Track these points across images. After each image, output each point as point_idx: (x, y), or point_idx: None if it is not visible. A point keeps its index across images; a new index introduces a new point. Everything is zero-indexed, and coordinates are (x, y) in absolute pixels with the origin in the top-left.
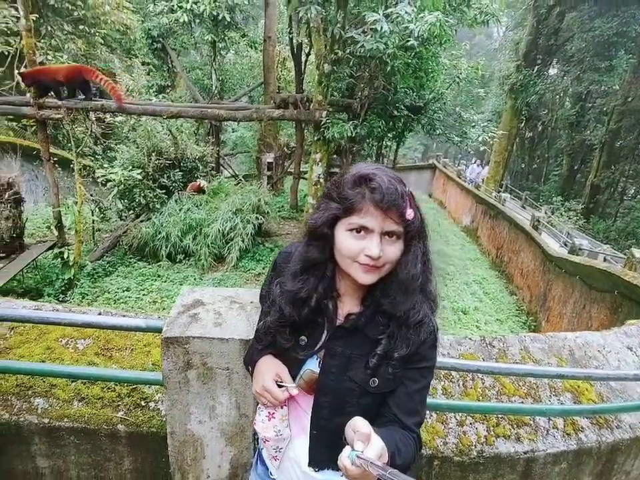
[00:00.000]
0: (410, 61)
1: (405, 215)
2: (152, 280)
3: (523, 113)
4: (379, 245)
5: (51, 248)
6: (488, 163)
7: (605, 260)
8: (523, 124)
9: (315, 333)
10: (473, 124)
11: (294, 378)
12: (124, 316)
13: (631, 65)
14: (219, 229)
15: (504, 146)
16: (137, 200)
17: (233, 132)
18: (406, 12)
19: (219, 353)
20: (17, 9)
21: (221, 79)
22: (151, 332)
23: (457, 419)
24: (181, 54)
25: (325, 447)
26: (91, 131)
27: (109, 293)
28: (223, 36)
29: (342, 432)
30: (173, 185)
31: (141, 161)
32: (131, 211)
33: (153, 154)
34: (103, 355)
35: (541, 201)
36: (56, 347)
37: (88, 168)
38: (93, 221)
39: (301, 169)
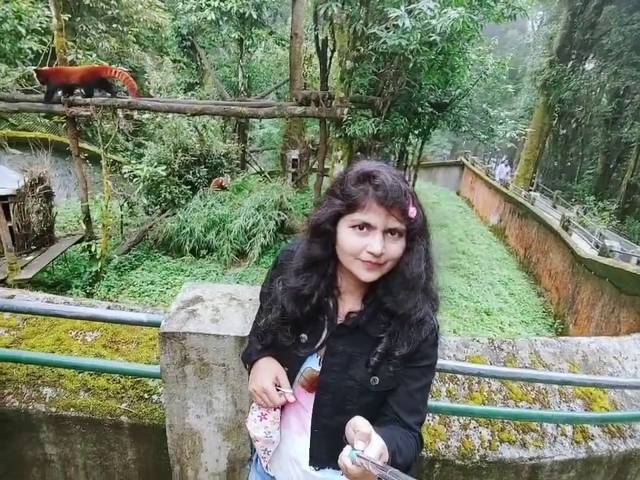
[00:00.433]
0: (434, 57)
1: (408, 213)
2: (175, 274)
3: (556, 109)
4: (382, 242)
5: (79, 241)
6: (518, 161)
7: (638, 262)
8: (555, 121)
9: (316, 330)
10: (501, 121)
11: (295, 375)
12: (131, 310)
13: None
14: (241, 225)
15: (535, 143)
16: (162, 195)
17: (261, 129)
18: (428, 7)
19: (215, 349)
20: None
21: (247, 76)
22: (151, 326)
23: (460, 422)
24: (210, 52)
25: (326, 445)
26: (119, 127)
27: (134, 285)
28: (249, 33)
29: (343, 431)
30: (198, 181)
31: (167, 158)
32: (157, 206)
33: (179, 150)
34: (110, 347)
35: (572, 200)
36: (65, 338)
37: (117, 164)
38: (122, 215)
39: (325, 166)
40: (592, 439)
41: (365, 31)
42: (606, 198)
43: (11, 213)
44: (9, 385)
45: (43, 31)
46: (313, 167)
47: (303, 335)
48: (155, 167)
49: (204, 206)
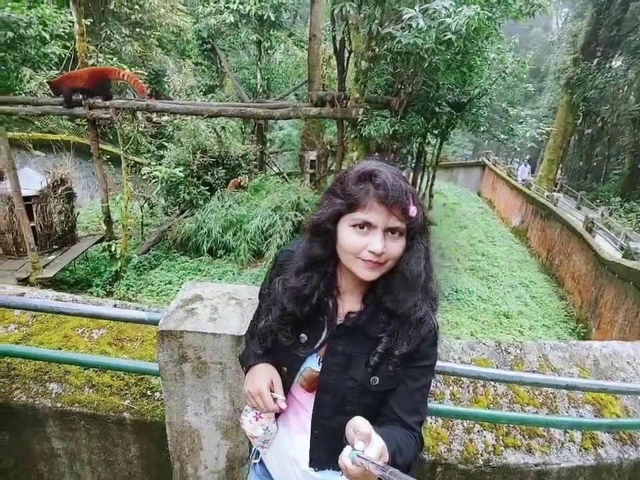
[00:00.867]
0: (450, 56)
1: (409, 212)
2: (193, 274)
3: (580, 108)
4: (383, 241)
5: (100, 241)
6: (541, 161)
7: None
8: (580, 120)
9: (316, 331)
10: (521, 120)
11: (294, 375)
12: (137, 308)
13: None
14: (258, 226)
15: (558, 143)
16: (181, 196)
17: (281, 130)
18: (443, 6)
19: (212, 347)
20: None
21: (266, 78)
22: (152, 324)
23: (463, 426)
24: (231, 54)
25: (326, 446)
26: (138, 129)
27: (152, 285)
28: (268, 35)
29: (343, 431)
30: (216, 182)
31: (186, 159)
32: (176, 207)
33: (198, 152)
34: (115, 344)
35: (598, 201)
36: (72, 335)
37: (138, 165)
38: (142, 216)
39: (343, 168)
40: (602, 446)
41: (380, 31)
42: (633, 199)
43: (34, 213)
44: (17, 380)
45: (66, 36)
46: (331, 168)
47: (303, 335)
48: (173, 168)
49: (221, 207)
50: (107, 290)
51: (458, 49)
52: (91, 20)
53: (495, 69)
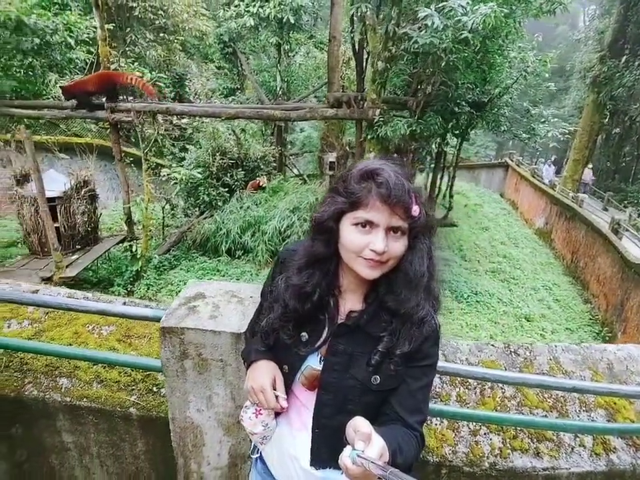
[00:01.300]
0: (468, 54)
1: (411, 211)
2: (211, 274)
3: (608, 107)
4: (384, 240)
5: (121, 241)
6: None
7: None
8: (607, 119)
9: (317, 329)
10: (543, 119)
11: (295, 373)
12: (146, 306)
13: None
14: (276, 227)
15: (584, 143)
16: (201, 198)
17: (302, 132)
18: (459, 4)
19: (212, 344)
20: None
21: (286, 80)
22: (156, 321)
23: (469, 428)
24: (252, 57)
25: (327, 445)
26: (158, 132)
27: (171, 285)
28: (287, 38)
29: (344, 430)
30: (235, 183)
31: (205, 161)
32: (196, 208)
33: (217, 154)
34: (123, 341)
35: (626, 202)
36: (83, 331)
37: (159, 167)
38: (163, 217)
39: None
40: (614, 452)
41: (397, 31)
42: None
43: (58, 214)
44: (29, 375)
45: (90, 41)
46: None
47: (304, 334)
48: (192, 169)
49: (240, 208)
50: (128, 289)
51: (478, 47)
52: (114, 25)
53: (517, 67)
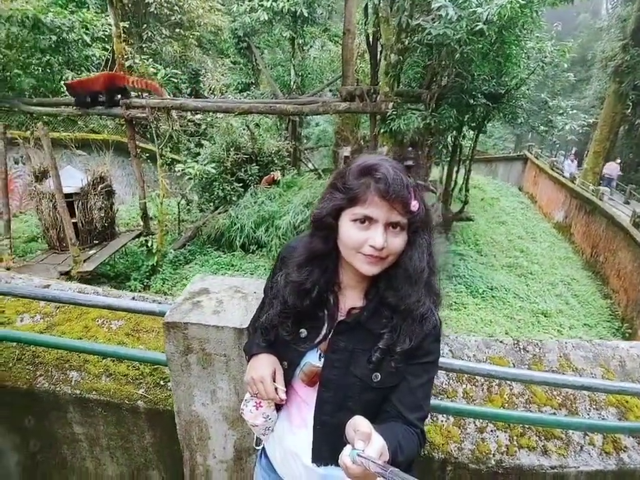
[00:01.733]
0: (484, 46)
1: (410, 206)
2: (226, 269)
3: (630, 97)
4: (384, 236)
5: (138, 236)
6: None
7: None
8: (629, 109)
9: (315, 326)
10: (561, 111)
11: (294, 369)
12: (154, 301)
13: None
14: (289, 221)
15: (605, 135)
16: (215, 193)
17: (317, 126)
18: None
19: (215, 339)
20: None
21: (300, 74)
22: (161, 316)
23: (476, 425)
24: (267, 52)
25: (328, 443)
26: (173, 128)
27: (186, 279)
28: (301, 32)
29: (344, 428)
30: (250, 178)
31: (220, 156)
32: (211, 204)
33: (232, 149)
34: (132, 335)
35: None
36: (92, 326)
37: (174, 162)
38: (179, 212)
39: None
40: (624, 451)
41: (410, 22)
42: None
43: (75, 209)
44: (41, 368)
45: (105, 38)
46: None
47: (302, 330)
48: (206, 164)
49: (254, 203)
50: (144, 283)
51: (494, 38)
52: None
53: (534, 58)
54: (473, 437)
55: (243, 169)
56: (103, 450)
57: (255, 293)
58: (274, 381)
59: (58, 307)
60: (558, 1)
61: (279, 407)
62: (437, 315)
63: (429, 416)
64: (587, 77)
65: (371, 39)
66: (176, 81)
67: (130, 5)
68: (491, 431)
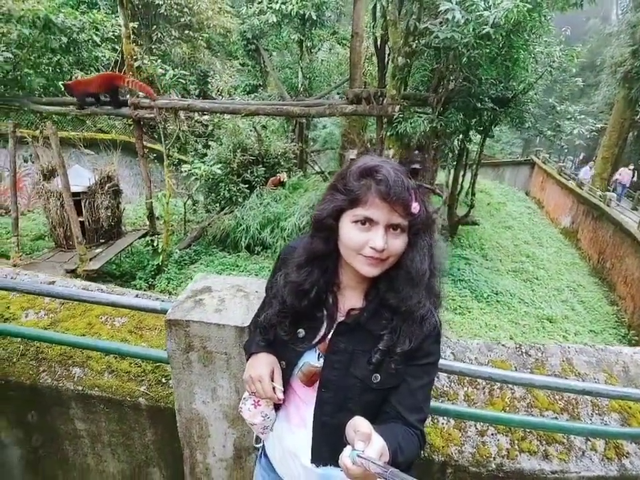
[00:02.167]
0: (491, 50)
1: (410, 208)
2: (230, 269)
3: (639, 103)
4: (384, 237)
5: (144, 236)
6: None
7: None
8: (638, 115)
9: (314, 326)
10: (569, 116)
11: (292, 369)
12: (157, 299)
13: None
14: (295, 223)
15: (614, 140)
16: (222, 194)
17: (324, 128)
18: None
19: (217, 338)
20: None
21: (308, 76)
22: (164, 314)
23: (476, 428)
24: (275, 54)
25: (327, 443)
26: (180, 128)
27: (191, 279)
28: (309, 35)
29: (344, 428)
30: (256, 180)
31: (226, 157)
32: (217, 204)
33: (238, 150)
34: (135, 332)
35: None
36: (96, 322)
37: (182, 163)
38: (185, 212)
39: None
40: (626, 457)
41: (418, 26)
42: None
43: (83, 208)
44: (44, 363)
45: (115, 39)
46: None
47: (300, 330)
48: (213, 165)
49: (260, 204)
50: (149, 283)
51: (502, 42)
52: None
53: (542, 63)
54: (474, 440)
55: (249, 170)
56: (104, 446)
57: (256, 292)
58: (272, 380)
59: (62, 304)
60: (567, 6)
61: (277, 407)
62: (437, 317)
63: (430, 418)
64: (596, 82)
65: (378, 42)
66: (184, 82)
67: (140, 6)
68: (492, 434)
